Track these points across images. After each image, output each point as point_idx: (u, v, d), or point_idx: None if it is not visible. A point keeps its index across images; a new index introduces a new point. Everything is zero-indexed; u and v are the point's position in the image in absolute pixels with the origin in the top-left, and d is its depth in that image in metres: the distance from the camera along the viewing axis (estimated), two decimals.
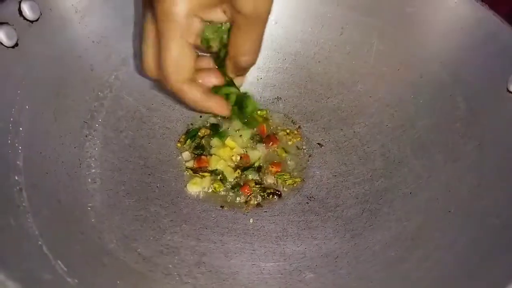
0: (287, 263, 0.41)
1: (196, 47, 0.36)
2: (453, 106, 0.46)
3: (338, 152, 0.48)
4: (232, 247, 0.42)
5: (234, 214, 0.44)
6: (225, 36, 0.37)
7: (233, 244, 0.42)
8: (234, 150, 0.47)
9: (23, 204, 0.37)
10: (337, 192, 0.46)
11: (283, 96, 0.52)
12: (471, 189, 0.41)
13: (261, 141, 0.48)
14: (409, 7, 0.49)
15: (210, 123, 0.49)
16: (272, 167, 0.47)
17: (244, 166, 0.47)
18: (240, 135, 0.48)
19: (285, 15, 0.50)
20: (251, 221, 0.44)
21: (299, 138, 0.49)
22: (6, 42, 0.40)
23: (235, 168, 0.46)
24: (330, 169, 0.47)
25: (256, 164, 0.47)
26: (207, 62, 0.39)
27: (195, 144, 0.48)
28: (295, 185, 0.46)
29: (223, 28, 0.36)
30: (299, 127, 0.50)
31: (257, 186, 0.46)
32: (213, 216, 0.44)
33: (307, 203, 0.45)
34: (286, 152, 0.48)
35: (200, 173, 0.46)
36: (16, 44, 0.41)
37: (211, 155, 0.47)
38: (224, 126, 0.48)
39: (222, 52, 0.37)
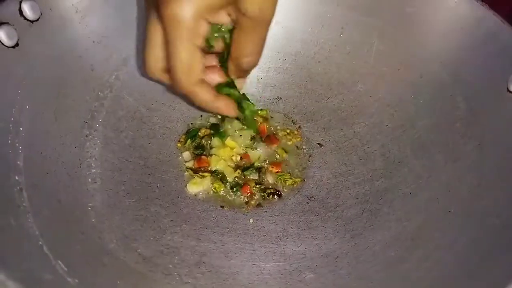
0: (287, 263, 0.41)
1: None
2: (453, 106, 0.46)
3: (338, 152, 0.48)
4: (232, 247, 0.42)
5: (234, 214, 0.44)
6: (226, 36, 0.37)
7: (233, 244, 0.42)
8: (234, 150, 0.47)
9: (24, 204, 0.37)
10: (337, 192, 0.46)
11: (283, 96, 0.52)
12: (471, 189, 0.42)
13: (261, 141, 0.48)
14: (409, 7, 0.49)
15: (210, 123, 0.49)
16: (272, 167, 0.47)
17: (244, 166, 0.47)
18: (240, 135, 0.48)
19: (285, 15, 0.50)
20: (251, 221, 0.44)
21: (299, 138, 0.49)
22: (7, 42, 0.40)
23: (235, 168, 0.46)
24: (330, 169, 0.47)
25: (256, 164, 0.47)
26: (210, 60, 0.39)
27: (195, 144, 0.48)
28: (295, 185, 0.46)
29: (223, 28, 0.36)
30: (299, 127, 0.50)
31: (257, 186, 0.46)
32: (213, 216, 0.44)
33: (307, 203, 0.45)
34: (286, 152, 0.48)
35: (200, 173, 0.46)
36: (17, 44, 0.41)
37: (211, 155, 0.47)
38: (224, 126, 0.48)
39: (225, 52, 0.38)
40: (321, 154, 0.48)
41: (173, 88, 0.37)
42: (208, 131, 0.49)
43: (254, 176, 0.46)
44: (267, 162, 0.47)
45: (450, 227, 0.41)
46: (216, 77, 0.39)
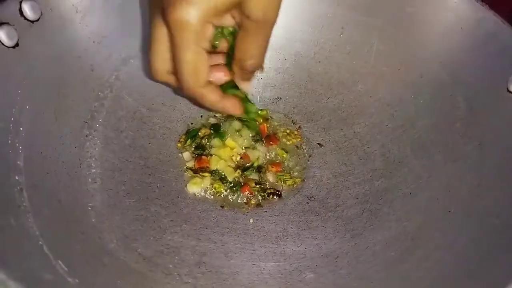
0: (287, 263, 0.41)
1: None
2: (453, 106, 0.46)
3: (338, 152, 0.48)
4: (232, 247, 0.42)
5: (234, 214, 0.44)
6: (230, 38, 0.37)
7: (233, 244, 0.42)
8: (234, 150, 0.47)
9: (24, 204, 0.37)
10: (337, 192, 0.46)
11: (283, 96, 0.52)
12: (471, 189, 0.42)
13: (261, 141, 0.48)
14: (409, 7, 0.49)
15: (210, 123, 0.50)
16: (272, 167, 0.47)
17: (244, 166, 0.47)
18: (240, 135, 0.48)
19: (285, 15, 0.50)
20: (251, 221, 0.44)
21: (299, 138, 0.49)
22: (7, 42, 0.40)
23: (235, 168, 0.46)
24: (330, 169, 0.47)
25: (256, 164, 0.47)
26: (215, 59, 0.39)
27: (195, 144, 0.48)
28: (295, 185, 0.46)
29: (227, 31, 0.37)
30: (299, 127, 0.50)
31: (257, 186, 0.46)
32: (213, 216, 0.44)
33: (307, 203, 0.45)
34: (286, 152, 0.48)
35: (200, 173, 0.46)
36: (17, 44, 0.41)
37: (211, 155, 0.47)
38: (224, 126, 0.48)
39: (230, 53, 0.38)
40: (321, 154, 0.48)
41: (179, 90, 0.37)
42: (208, 131, 0.49)
43: (254, 176, 0.46)
44: (267, 162, 0.47)
45: (450, 227, 0.41)
46: (222, 76, 0.39)
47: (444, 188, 0.43)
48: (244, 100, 0.41)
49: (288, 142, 0.49)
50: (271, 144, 0.48)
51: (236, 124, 0.48)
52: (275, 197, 0.45)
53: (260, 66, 0.38)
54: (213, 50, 0.38)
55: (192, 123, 0.50)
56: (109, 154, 0.46)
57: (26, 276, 0.32)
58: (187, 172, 0.46)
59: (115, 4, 0.48)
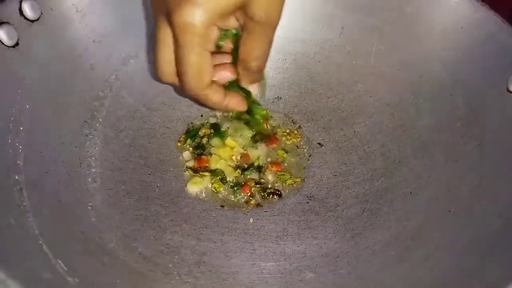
0: (287, 263, 0.41)
1: None
2: (453, 106, 0.46)
3: (338, 152, 0.48)
4: (232, 246, 0.42)
5: (234, 213, 0.44)
6: (234, 39, 0.38)
7: (233, 244, 0.42)
8: (234, 149, 0.47)
9: (24, 203, 0.37)
10: (337, 191, 0.46)
11: (283, 96, 0.52)
12: (471, 189, 0.42)
13: (261, 140, 0.48)
14: (409, 7, 0.49)
15: (210, 122, 0.50)
16: (272, 167, 0.47)
17: (244, 166, 0.47)
18: (240, 135, 0.48)
19: (285, 15, 0.50)
20: (251, 220, 0.44)
21: (299, 138, 0.49)
22: (7, 41, 0.40)
23: (235, 167, 0.46)
24: (330, 168, 0.47)
25: (256, 164, 0.47)
26: (221, 58, 0.39)
27: (195, 144, 0.48)
28: (295, 185, 0.46)
29: (228, 32, 0.37)
30: (299, 127, 0.50)
31: (257, 186, 0.46)
32: (213, 215, 0.44)
33: (307, 202, 0.45)
34: (286, 152, 0.48)
35: (200, 173, 0.46)
36: (17, 44, 0.41)
37: (211, 154, 0.47)
38: (224, 126, 0.48)
39: (234, 55, 0.38)
40: (321, 153, 0.48)
41: (182, 90, 0.37)
42: (208, 130, 0.49)
43: (254, 175, 0.46)
44: (267, 161, 0.47)
45: (450, 227, 0.41)
46: (228, 74, 0.39)
47: (444, 188, 0.43)
48: (251, 102, 0.42)
49: (288, 142, 0.49)
50: (271, 144, 0.48)
51: (236, 124, 0.48)
52: (275, 196, 0.45)
53: (264, 67, 0.39)
54: (217, 51, 0.38)
55: (192, 123, 0.50)
56: (109, 154, 0.46)
57: (26, 275, 0.32)
58: (187, 171, 0.46)
59: (115, 3, 0.48)
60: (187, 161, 0.47)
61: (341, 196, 0.45)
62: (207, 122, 0.50)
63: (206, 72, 0.36)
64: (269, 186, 0.46)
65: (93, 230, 0.40)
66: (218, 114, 0.50)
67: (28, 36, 0.42)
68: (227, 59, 0.40)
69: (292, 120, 0.51)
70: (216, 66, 0.38)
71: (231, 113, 0.49)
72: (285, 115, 0.51)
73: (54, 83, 0.44)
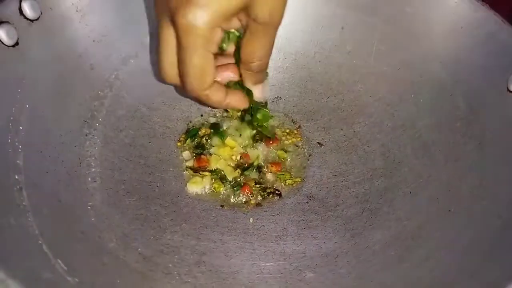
0: (287, 263, 0.41)
1: None
2: (453, 106, 0.46)
3: (338, 152, 0.48)
4: (232, 246, 0.42)
5: (234, 213, 0.44)
6: (236, 41, 0.38)
7: (233, 244, 0.42)
8: (234, 149, 0.47)
9: (23, 203, 0.37)
10: (337, 191, 0.46)
11: (283, 96, 0.52)
12: (471, 189, 0.42)
13: (261, 140, 0.48)
14: (409, 7, 0.49)
15: (210, 122, 0.49)
16: (272, 167, 0.47)
17: (244, 166, 0.47)
18: (240, 135, 0.48)
19: (286, 14, 0.50)
20: (251, 220, 0.44)
21: (299, 138, 0.49)
22: (7, 41, 0.40)
23: (235, 167, 0.46)
24: (330, 168, 0.47)
25: (256, 163, 0.47)
26: (221, 60, 0.39)
27: (195, 144, 0.48)
28: (295, 184, 0.46)
29: (233, 34, 0.37)
30: (299, 126, 0.50)
31: (257, 185, 0.46)
32: (213, 215, 0.44)
33: (307, 202, 0.45)
34: (286, 151, 0.48)
35: (200, 173, 0.46)
36: (17, 43, 0.41)
37: (211, 154, 0.47)
38: (224, 126, 0.48)
39: (236, 57, 0.39)
40: (321, 153, 0.48)
41: (184, 91, 0.37)
42: (208, 130, 0.49)
43: (254, 175, 0.46)
44: (267, 161, 0.47)
45: (450, 227, 0.41)
46: (231, 75, 0.40)
47: (445, 187, 0.43)
48: (254, 102, 0.42)
49: (288, 142, 0.49)
50: (271, 144, 0.48)
51: (236, 124, 0.48)
52: (275, 196, 0.45)
53: (266, 67, 0.39)
54: (220, 52, 0.38)
55: (192, 122, 0.50)
56: (109, 153, 0.46)
57: (26, 275, 0.32)
58: (187, 171, 0.46)
59: (115, 3, 0.48)
60: (187, 160, 0.47)
61: (341, 196, 0.45)
62: (207, 122, 0.50)
63: (209, 74, 0.36)
64: (269, 186, 0.46)
65: (93, 229, 0.40)
66: (218, 114, 0.50)
67: (28, 35, 0.42)
68: (230, 60, 0.40)
69: (292, 119, 0.51)
70: (218, 66, 0.38)
71: (236, 113, 0.49)
72: (285, 114, 0.51)
73: (54, 83, 0.44)
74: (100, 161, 0.45)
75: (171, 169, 0.46)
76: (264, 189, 0.45)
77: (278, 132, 0.49)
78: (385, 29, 0.50)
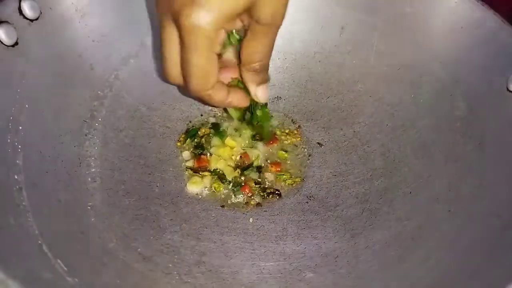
0: (287, 263, 0.41)
1: None
2: (453, 106, 0.46)
3: (338, 152, 0.48)
4: (232, 246, 0.42)
5: (234, 213, 0.44)
6: (237, 43, 0.38)
7: (233, 244, 0.42)
8: (234, 149, 0.47)
9: (23, 203, 0.37)
10: (337, 191, 0.46)
11: (283, 96, 0.52)
12: (471, 189, 0.42)
13: (261, 140, 0.48)
14: (409, 7, 0.49)
15: (210, 122, 0.49)
16: (272, 167, 0.47)
17: (244, 166, 0.47)
18: (240, 135, 0.48)
19: (286, 14, 0.51)
20: (251, 220, 0.44)
21: (299, 138, 0.49)
22: (6, 41, 0.40)
23: (235, 167, 0.46)
24: (330, 168, 0.47)
25: (256, 164, 0.47)
26: (224, 60, 0.39)
27: (195, 144, 0.48)
28: (294, 184, 0.46)
29: (232, 38, 0.37)
30: (299, 126, 0.50)
31: (257, 186, 0.45)
32: (213, 215, 0.44)
33: (307, 202, 0.45)
34: (286, 151, 0.48)
35: (200, 173, 0.46)
36: (16, 43, 0.41)
37: (211, 154, 0.47)
38: (224, 126, 0.48)
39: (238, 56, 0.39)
40: (321, 153, 0.48)
41: (186, 90, 0.37)
42: (208, 130, 0.49)
43: (253, 175, 0.46)
44: (267, 161, 0.47)
45: (450, 227, 0.41)
46: (233, 75, 0.40)
47: (445, 187, 0.43)
48: (254, 102, 0.42)
49: (287, 142, 0.49)
50: (271, 144, 0.48)
51: (236, 124, 0.48)
52: (275, 196, 0.45)
53: (267, 67, 0.39)
54: (223, 52, 0.38)
55: (191, 122, 0.50)
56: (109, 153, 0.46)
57: (26, 275, 0.32)
58: (186, 171, 0.46)
59: (115, 3, 0.48)
60: (186, 160, 0.47)
61: (340, 196, 0.45)
62: (207, 122, 0.50)
63: (212, 75, 0.36)
64: (269, 186, 0.46)
65: (92, 230, 0.40)
66: (218, 114, 0.50)
67: (28, 35, 0.42)
68: (230, 60, 0.40)
69: (292, 119, 0.51)
70: (221, 67, 0.38)
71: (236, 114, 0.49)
72: (285, 114, 0.51)
73: (53, 82, 0.44)
74: (100, 161, 0.45)
75: (171, 169, 0.46)
76: (264, 189, 0.45)
77: (278, 132, 0.49)
78: (385, 29, 0.50)
